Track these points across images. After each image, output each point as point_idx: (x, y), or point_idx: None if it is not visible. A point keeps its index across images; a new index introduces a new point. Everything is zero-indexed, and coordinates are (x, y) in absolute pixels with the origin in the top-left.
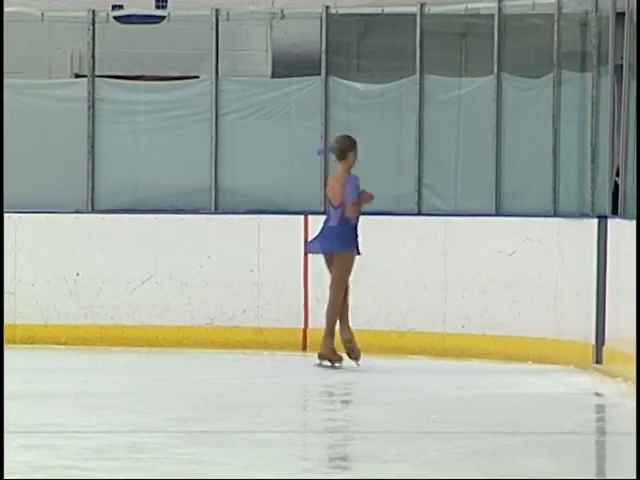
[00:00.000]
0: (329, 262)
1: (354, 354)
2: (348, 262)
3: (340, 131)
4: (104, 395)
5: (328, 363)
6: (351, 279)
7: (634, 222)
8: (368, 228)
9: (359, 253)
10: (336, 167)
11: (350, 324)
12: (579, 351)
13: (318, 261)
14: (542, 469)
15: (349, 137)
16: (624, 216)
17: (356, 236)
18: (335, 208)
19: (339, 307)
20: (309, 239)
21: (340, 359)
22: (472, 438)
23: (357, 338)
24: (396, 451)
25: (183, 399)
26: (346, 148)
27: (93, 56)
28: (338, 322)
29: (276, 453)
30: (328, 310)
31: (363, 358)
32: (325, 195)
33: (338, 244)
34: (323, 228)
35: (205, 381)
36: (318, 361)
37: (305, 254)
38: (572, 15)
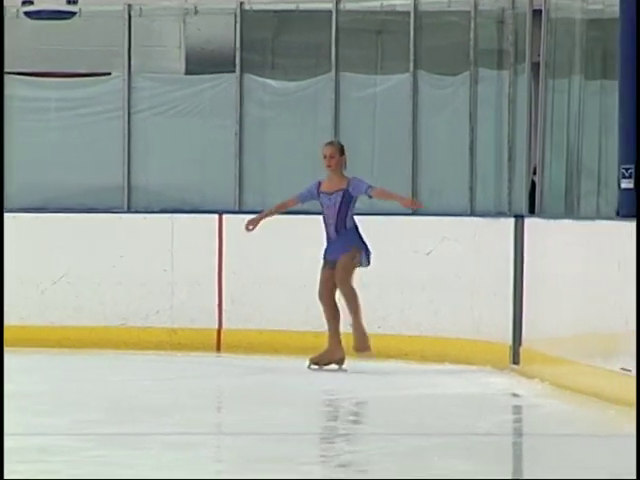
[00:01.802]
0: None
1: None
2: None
3: (254, 128)
4: (14, 397)
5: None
6: (266, 279)
7: (551, 220)
8: (284, 228)
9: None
10: None
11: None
12: (496, 351)
13: (233, 261)
14: (459, 470)
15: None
16: (541, 215)
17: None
18: None
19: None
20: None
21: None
22: (388, 439)
23: (266, 338)
24: (311, 453)
25: (95, 401)
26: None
27: (2, 52)
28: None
29: (189, 455)
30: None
31: (278, 359)
32: None
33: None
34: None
35: (117, 382)
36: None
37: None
38: (489, 12)
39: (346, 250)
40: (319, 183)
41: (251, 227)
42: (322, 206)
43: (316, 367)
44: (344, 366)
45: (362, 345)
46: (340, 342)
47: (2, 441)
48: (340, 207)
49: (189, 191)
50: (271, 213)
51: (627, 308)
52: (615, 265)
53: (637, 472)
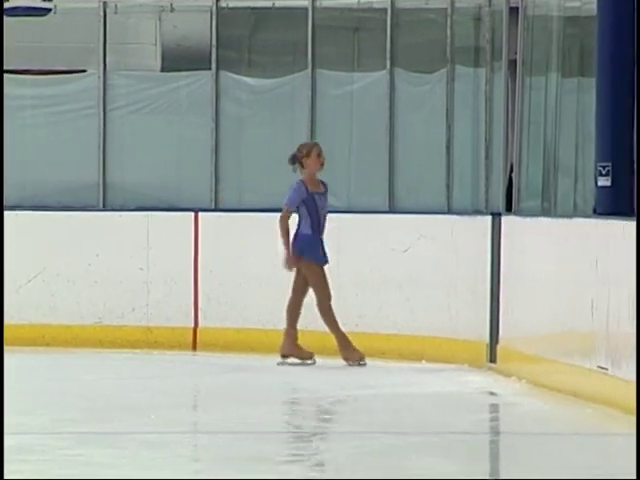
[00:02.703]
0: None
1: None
2: (314, 270)
3: (230, 126)
4: None
5: (296, 360)
6: (242, 278)
7: (527, 218)
8: (260, 226)
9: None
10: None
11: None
12: (473, 350)
13: (209, 260)
14: (436, 469)
15: (303, 145)
16: (518, 213)
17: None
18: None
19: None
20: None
21: (311, 356)
22: (365, 438)
23: (243, 337)
24: (288, 452)
25: (71, 400)
26: (299, 157)
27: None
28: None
29: (166, 454)
30: (288, 309)
31: (254, 357)
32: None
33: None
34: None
35: (94, 381)
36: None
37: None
38: (465, 9)
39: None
40: (303, 182)
41: (293, 267)
42: (315, 206)
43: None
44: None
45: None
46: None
47: (2, 441)
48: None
49: (165, 189)
50: (288, 243)
51: (604, 306)
52: (593, 263)
53: (637, 472)
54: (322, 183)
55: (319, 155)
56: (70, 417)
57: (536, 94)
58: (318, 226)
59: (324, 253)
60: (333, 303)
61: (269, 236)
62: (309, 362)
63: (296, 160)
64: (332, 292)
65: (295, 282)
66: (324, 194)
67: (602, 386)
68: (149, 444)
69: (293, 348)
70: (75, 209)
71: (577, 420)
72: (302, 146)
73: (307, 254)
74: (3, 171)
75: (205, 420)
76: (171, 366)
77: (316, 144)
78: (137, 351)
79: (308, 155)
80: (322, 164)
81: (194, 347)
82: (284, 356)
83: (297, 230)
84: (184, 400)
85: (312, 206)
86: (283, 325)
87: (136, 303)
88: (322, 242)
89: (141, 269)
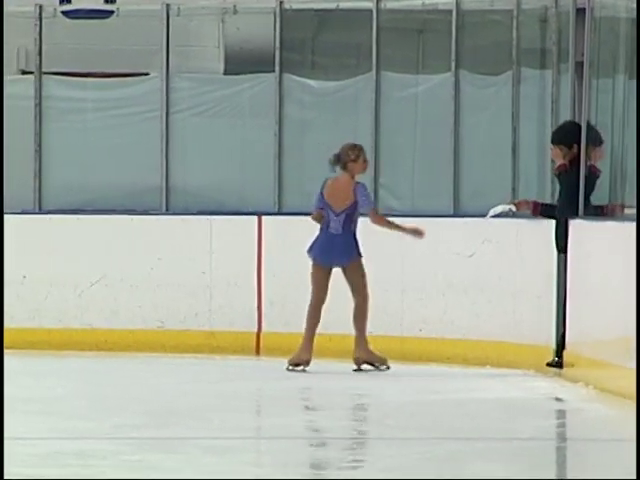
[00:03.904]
0: (328, 275)
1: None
2: (361, 267)
3: (293, 129)
4: (51, 400)
5: (369, 367)
6: (306, 282)
7: (594, 222)
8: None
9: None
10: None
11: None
12: (539, 355)
13: (272, 263)
14: (501, 475)
15: (352, 147)
16: (585, 217)
17: (356, 241)
18: (336, 215)
19: (366, 312)
20: (311, 246)
21: (385, 361)
22: (428, 444)
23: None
24: (351, 457)
25: (133, 404)
26: (346, 159)
27: (40, 52)
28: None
29: (229, 459)
30: (356, 317)
31: (317, 362)
32: (321, 199)
33: (348, 255)
34: (324, 235)
35: (156, 386)
36: (355, 367)
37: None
38: (531, 11)
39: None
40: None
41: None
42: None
43: (291, 368)
44: (387, 365)
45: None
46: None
47: (2, 441)
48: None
49: (228, 192)
50: (399, 226)
51: None
52: None
53: (637, 472)
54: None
55: (365, 160)
56: (131, 422)
57: (603, 96)
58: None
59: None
60: (398, 307)
61: None
62: (383, 367)
63: (340, 161)
64: (396, 296)
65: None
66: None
67: None
68: (211, 449)
69: (368, 354)
70: (137, 213)
71: None
72: (349, 148)
73: (358, 252)
74: (3, 171)
75: (268, 425)
76: (234, 371)
77: (362, 149)
78: (199, 356)
79: (356, 160)
80: (366, 170)
81: (257, 352)
82: (359, 363)
83: (349, 228)
84: (247, 405)
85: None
86: (346, 329)
87: (199, 307)
88: (333, 236)
89: (203, 273)
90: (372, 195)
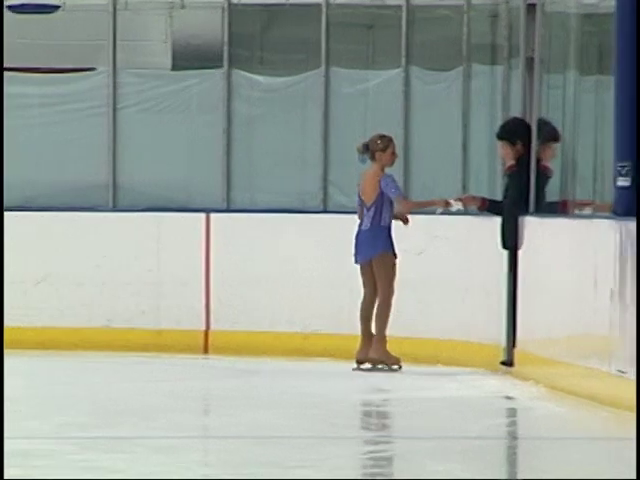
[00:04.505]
0: (364, 271)
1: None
2: (388, 263)
3: (242, 125)
4: None
5: (381, 366)
6: (254, 279)
7: (544, 219)
8: (272, 228)
9: (395, 256)
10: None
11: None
12: (489, 353)
13: (221, 261)
14: (451, 475)
15: (381, 136)
16: (535, 214)
17: (390, 237)
18: (367, 209)
19: (389, 311)
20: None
21: (398, 361)
22: (379, 443)
23: (255, 340)
24: (300, 457)
25: (79, 404)
26: (374, 148)
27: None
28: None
29: (176, 459)
30: (377, 315)
31: (265, 360)
32: (358, 195)
33: (373, 249)
34: (358, 231)
35: (102, 385)
36: (369, 366)
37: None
38: (482, 6)
39: None
40: (393, 178)
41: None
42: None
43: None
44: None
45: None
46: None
47: (2, 441)
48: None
49: (175, 189)
50: (422, 203)
51: (623, 309)
52: (611, 264)
53: (637, 472)
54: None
55: (394, 153)
56: (78, 421)
57: (554, 92)
58: (391, 218)
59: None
60: (346, 304)
61: (281, 237)
62: (395, 367)
63: (368, 150)
64: (344, 294)
65: (368, 283)
66: None
67: (620, 390)
68: (159, 449)
69: (381, 353)
70: (84, 210)
71: (594, 424)
72: (379, 138)
73: (389, 247)
74: (3, 171)
75: (216, 424)
76: (181, 370)
77: (392, 139)
78: (147, 354)
79: (384, 150)
80: (394, 162)
81: (205, 350)
82: (373, 362)
83: (378, 222)
84: (194, 404)
85: (388, 202)
86: (294, 328)
87: (146, 305)
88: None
89: (151, 271)
90: (400, 185)
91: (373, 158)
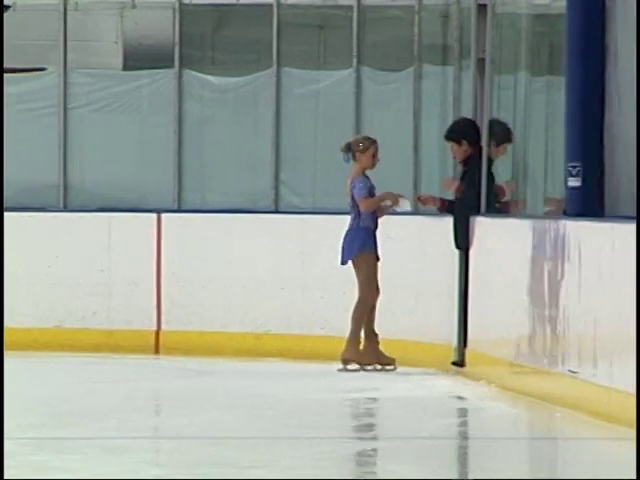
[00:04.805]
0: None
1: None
2: (364, 264)
3: (193, 125)
4: None
5: (355, 366)
6: (205, 279)
7: (496, 220)
8: (224, 228)
9: (377, 257)
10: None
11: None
12: (441, 353)
13: (172, 261)
14: (403, 475)
15: (364, 138)
16: (486, 214)
17: (370, 238)
18: (350, 210)
19: (364, 312)
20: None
21: (392, 361)
22: (331, 444)
23: (206, 340)
24: (252, 457)
25: (30, 404)
26: (355, 149)
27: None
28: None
29: (127, 459)
30: (352, 315)
31: (217, 361)
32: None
33: (351, 249)
34: (345, 233)
35: (53, 385)
36: (341, 366)
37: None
38: (433, 7)
39: None
40: (366, 178)
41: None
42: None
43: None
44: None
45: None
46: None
47: (2, 441)
48: None
49: (127, 189)
50: (379, 197)
51: (573, 309)
52: (562, 265)
53: (637, 473)
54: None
55: (374, 156)
56: (29, 422)
57: (505, 93)
58: (375, 219)
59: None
60: (298, 305)
61: (233, 237)
62: (389, 368)
63: (350, 151)
64: (297, 294)
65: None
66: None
67: (572, 390)
68: (110, 449)
69: (354, 354)
70: (34, 210)
71: (546, 424)
72: (361, 140)
73: (368, 247)
74: (3, 171)
75: (167, 425)
76: (133, 370)
77: (375, 142)
78: (98, 355)
79: (364, 151)
80: (374, 165)
81: (156, 351)
82: (386, 364)
83: (357, 223)
84: (146, 405)
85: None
86: (246, 328)
87: (97, 306)
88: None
89: (102, 271)
90: (368, 187)
91: (354, 158)
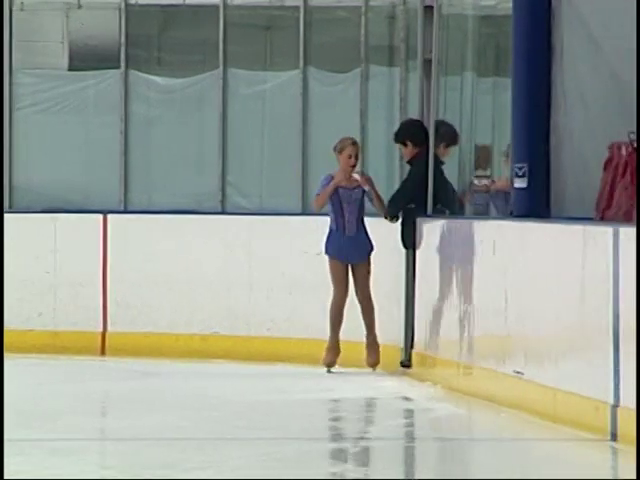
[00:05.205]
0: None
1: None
2: (329, 266)
3: (139, 126)
4: None
5: (338, 369)
6: (151, 280)
7: (443, 220)
8: (170, 229)
9: (335, 259)
10: None
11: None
12: (389, 354)
13: (118, 262)
14: (349, 476)
15: (342, 139)
16: (432, 215)
17: (330, 241)
18: None
19: (333, 314)
20: None
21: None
22: (278, 444)
23: (152, 341)
24: (199, 458)
25: None
26: (335, 149)
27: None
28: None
29: (74, 461)
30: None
31: (164, 362)
32: None
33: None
34: None
35: None
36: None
37: None
38: (379, 8)
39: (368, 254)
40: (332, 176)
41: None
42: (339, 201)
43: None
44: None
45: (375, 359)
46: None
47: (2, 441)
48: (361, 203)
49: (73, 190)
50: (325, 191)
51: (518, 309)
52: (507, 265)
53: (637, 472)
54: (364, 177)
55: (350, 157)
56: None
57: (451, 94)
58: (341, 221)
59: (341, 248)
60: (245, 306)
61: (179, 238)
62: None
63: (335, 151)
64: (243, 295)
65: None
66: (354, 189)
67: (517, 391)
68: (56, 451)
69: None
70: None
71: (492, 425)
72: (341, 139)
73: (328, 250)
74: (3, 171)
75: (113, 427)
76: (78, 371)
77: (353, 144)
78: (43, 356)
79: (341, 152)
80: (353, 166)
81: (102, 352)
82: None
83: (330, 226)
84: (92, 406)
85: (335, 200)
86: (193, 329)
87: (42, 307)
88: (341, 236)
89: (47, 272)
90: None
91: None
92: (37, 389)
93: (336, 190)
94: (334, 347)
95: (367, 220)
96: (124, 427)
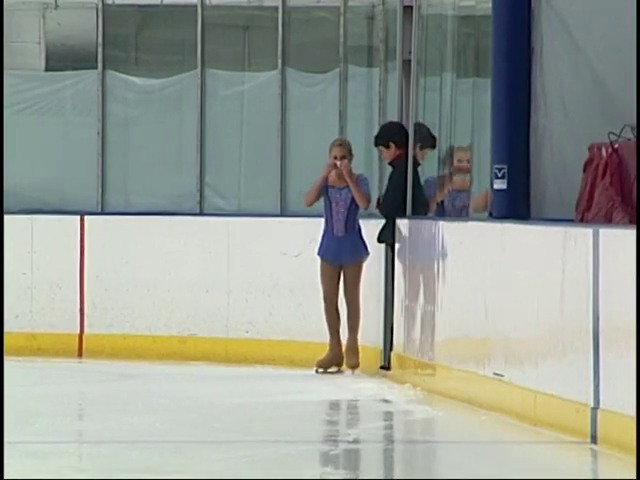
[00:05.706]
0: None
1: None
2: (319, 266)
3: (117, 127)
4: None
5: (333, 369)
6: (129, 282)
7: (423, 221)
8: (148, 230)
9: (324, 261)
10: None
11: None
12: (368, 356)
13: (95, 264)
14: (329, 477)
15: (334, 140)
16: (412, 216)
17: (321, 241)
18: None
19: (326, 315)
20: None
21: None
22: (256, 447)
23: (130, 343)
24: (177, 461)
25: None
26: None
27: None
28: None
29: (50, 464)
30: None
31: (141, 364)
32: None
33: None
34: None
35: None
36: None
37: None
38: (358, 8)
39: (359, 256)
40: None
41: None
42: (329, 201)
43: (322, 371)
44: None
45: (356, 362)
46: (341, 344)
47: (2, 441)
48: (352, 204)
49: (50, 191)
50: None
51: (498, 311)
52: (487, 267)
53: (637, 472)
54: (360, 178)
55: (336, 157)
56: None
57: (431, 95)
58: (331, 220)
59: (328, 249)
60: (223, 308)
61: (157, 240)
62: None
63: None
64: (221, 297)
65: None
66: (343, 189)
67: (497, 393)
68: (32, 453)
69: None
70: None
71: (472, 428)
72: (333, 140)
73: (319, 249)
74: (3, 171)
75: (91, 429)
76: (56, 373)
77: (340, 145)
78: (20, 358)
79: (329, 151)
80: (335, 165)
81: (80, 354)
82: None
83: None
84: (69, 408)
85: (326, 200)
86: (170, 331)
87: (20, 309)
88: (330, 237)
89: (24, 274)
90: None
91: None
92: (14, 391)
93: (327, 190)
94: (332, 351)
95: None
96: (101, 429)
